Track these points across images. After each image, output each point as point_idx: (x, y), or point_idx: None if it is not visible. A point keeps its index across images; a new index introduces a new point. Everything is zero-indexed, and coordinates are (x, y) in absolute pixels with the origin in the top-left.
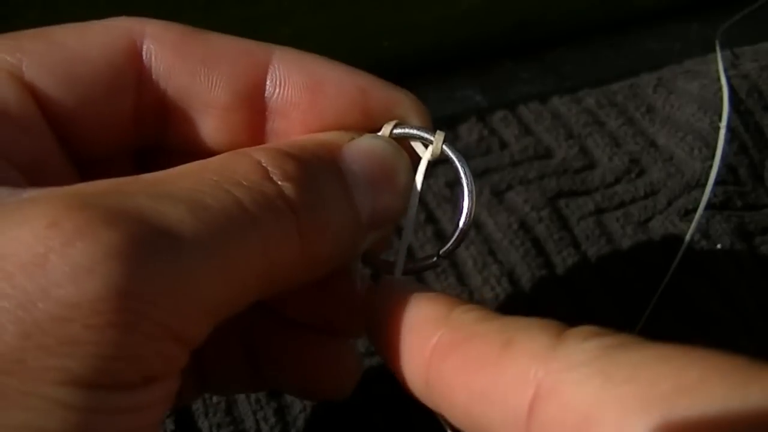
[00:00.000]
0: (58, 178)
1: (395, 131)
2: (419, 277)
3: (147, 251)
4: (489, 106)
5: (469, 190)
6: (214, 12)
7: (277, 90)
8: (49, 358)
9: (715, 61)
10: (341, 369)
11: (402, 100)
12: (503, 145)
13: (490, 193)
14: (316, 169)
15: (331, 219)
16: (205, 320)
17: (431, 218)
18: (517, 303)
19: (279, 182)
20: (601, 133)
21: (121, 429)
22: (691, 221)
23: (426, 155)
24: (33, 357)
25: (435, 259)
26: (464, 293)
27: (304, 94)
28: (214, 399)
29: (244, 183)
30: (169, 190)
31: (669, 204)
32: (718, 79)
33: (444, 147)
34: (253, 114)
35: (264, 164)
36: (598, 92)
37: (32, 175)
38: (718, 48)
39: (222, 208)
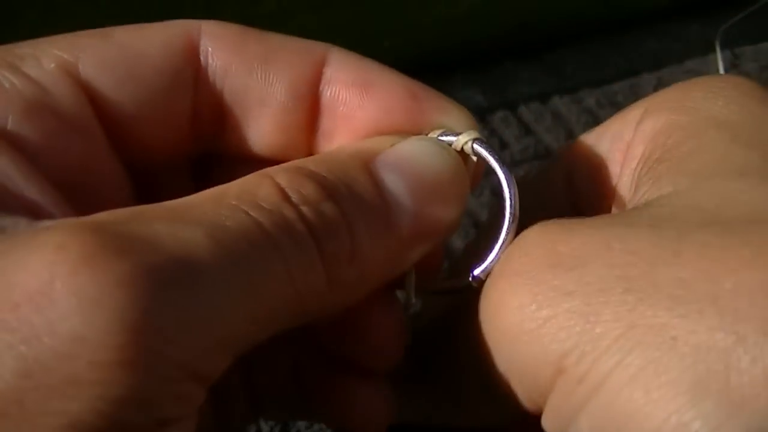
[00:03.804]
0: (108, 183)
1: (440, 139)
2: None
3: (162, 280)
4: (489, 106)
5: (510, 203)
6: (214, 12)
7: (328, 89)
8: (49, 401)
9: (715, 61)
10: (380, 406)
11: (451, 109)
12: (503, 145)
13: (491, 193)
14: (344, 187)
15: (359, 241)
16: (225, 355)
17: None
18: None
19: (299, 205)
20: None
21: None
22: None
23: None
24: (32, 398)
25: (471, 279)
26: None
27: (353, 94)
28: None
29: (264, 205)
30: (188, 215)
31: None
32: None
33: (482, 150)
34: (309, 114)
35: (283, 186)
36: (598, 92)
37: (80, 179)
38: (718, 48)
39: (242, 231)
